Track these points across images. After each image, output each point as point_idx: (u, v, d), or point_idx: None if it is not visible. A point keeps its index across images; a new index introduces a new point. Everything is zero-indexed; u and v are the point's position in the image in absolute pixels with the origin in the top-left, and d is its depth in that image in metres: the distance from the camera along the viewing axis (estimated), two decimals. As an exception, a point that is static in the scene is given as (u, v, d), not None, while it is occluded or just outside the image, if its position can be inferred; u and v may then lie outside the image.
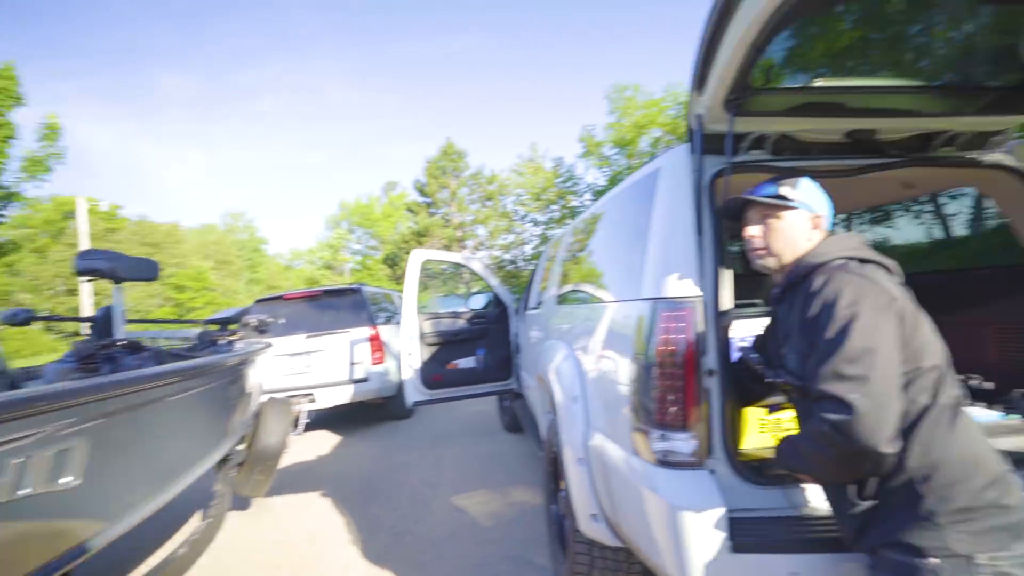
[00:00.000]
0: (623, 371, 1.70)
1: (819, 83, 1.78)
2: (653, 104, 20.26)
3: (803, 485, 1.53)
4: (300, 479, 4.61)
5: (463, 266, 5.12)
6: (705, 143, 1.73)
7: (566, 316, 2.77)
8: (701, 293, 1.53)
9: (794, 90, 1.76)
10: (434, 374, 4.70)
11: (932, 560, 1.00)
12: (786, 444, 1.24)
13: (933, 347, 1.13)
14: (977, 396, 2.10)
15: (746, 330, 2.03)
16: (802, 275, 1.23)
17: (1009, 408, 1.94)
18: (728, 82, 1.56)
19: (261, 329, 4.57)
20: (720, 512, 1.36)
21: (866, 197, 3.08)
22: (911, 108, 1.83)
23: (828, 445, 1.06)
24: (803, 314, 1.15)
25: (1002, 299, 2.23)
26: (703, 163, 1.69)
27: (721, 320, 1.56)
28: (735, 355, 1.59)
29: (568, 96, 62.62)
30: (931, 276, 3.26)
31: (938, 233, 4.81)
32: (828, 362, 1.06)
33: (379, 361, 6.14)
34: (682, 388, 1.48)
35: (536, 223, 26.38)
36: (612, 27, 56.61)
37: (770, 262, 1.34)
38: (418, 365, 4.59)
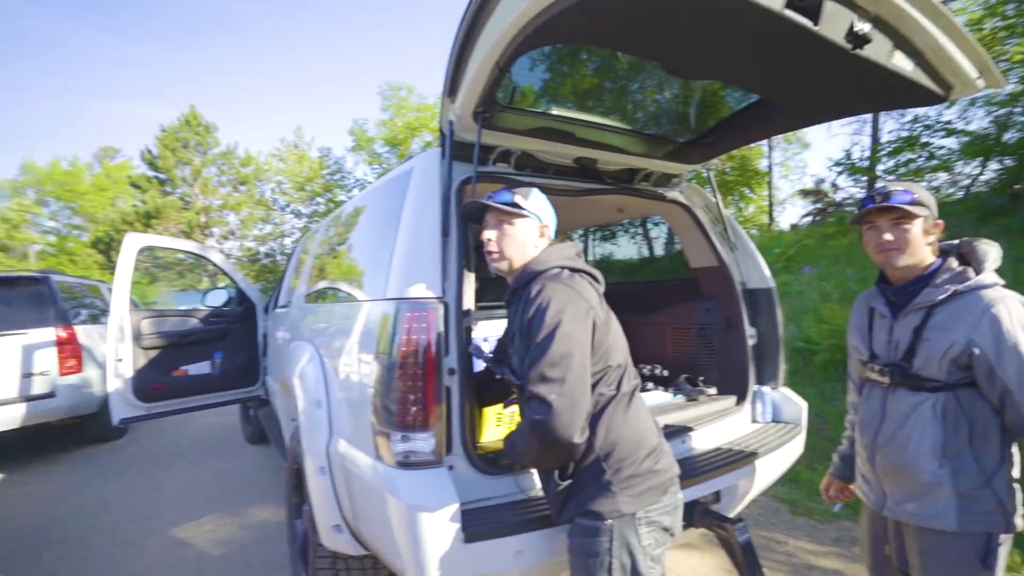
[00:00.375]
0: (367, 373, 1.65)
1: (555, 111, 2.02)
2: (426, 108, 20.67)
3: (529, 471, 1.70)
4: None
5: (199, 256, 4.36)
6: (456, 150, 1.79)
7: (313, 316, 2.58)
8: (442, 294, 1.57)
9: (534, 113, 1.96)
10: (153, 383, 3.89)
11: (608, 521, 1.25)
12: (507, 440, 1.37)
13: (619, 347, 1.37)
14: (657, 381, 2.65)
15: (491, 330, 2.18)
16: (525, 281, 1.36)
17: (676, 390, 2.49)
18: (476, 95, 1.65)
19: None
20: (454, 507, 1.41)
21: (590, 216, 3.65)
22: (621, 146, 2.21)
23: (533, 439, 1.22)
24: (523, 317, 1.28)
25: (676, 306, 2.85)
26: (452, 169, 1.75)
27: (463, 320, 1.63)
28: (477, 357, 1.68)
29: (338, 84, 58.79)
30: (633, 285, 4.02)
31: (644, 251, 6.00)
32: (536, 365, 1.21)
33: (73, 370, 4.80)
34: (423, 388, 1.50)
35: (299, 215, 24.39)
36: (389, 21, 55.82)
37: (503, 265, 1.45)
38: (130, 373, 3.74)
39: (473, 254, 1.96)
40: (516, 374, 1.33)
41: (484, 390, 1.68)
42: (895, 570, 1.49)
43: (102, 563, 2.90)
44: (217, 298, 4.64)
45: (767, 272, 2.51)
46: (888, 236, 1.42)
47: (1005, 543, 1.32)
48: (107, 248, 23.21)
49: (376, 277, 1.78)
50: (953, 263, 1.41)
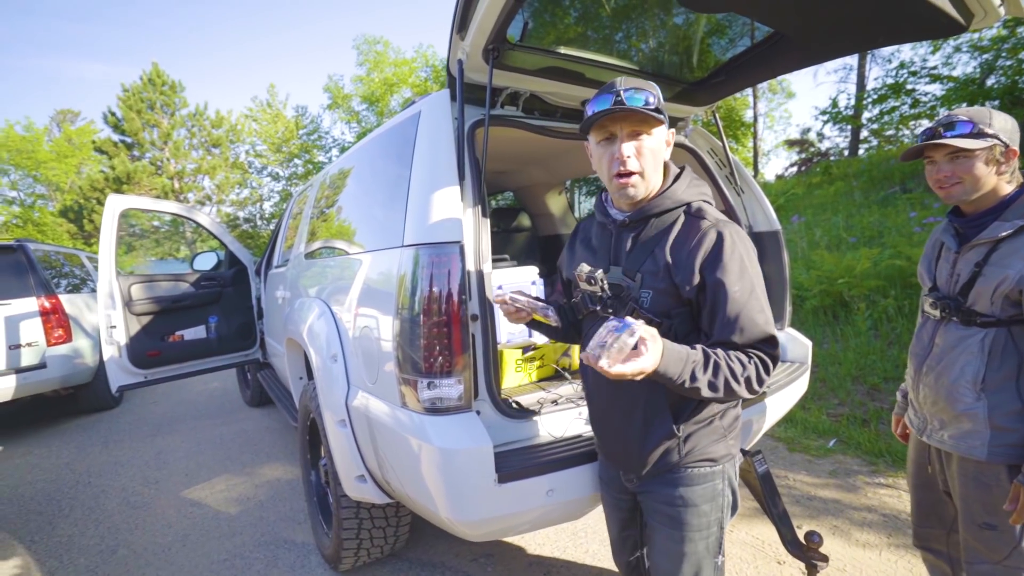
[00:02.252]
0: (386, 323, 1.63)
1: (563, 50, 1.94)
2: (404, 63, 19.93)
3: (547, 414, 1.72)
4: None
5: (185, 218, 4.22)
6: (465, 92, 1.72)
7: (318, 272, 2.53)
8: (462, 238, 1.54)
9: (545, 52, 1.88)
10: (149, 350, 3.83)
11: (720, 465, 1.28)
12: (705, 366, 1.07)
13: None
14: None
15: (504, 279, 2.16)
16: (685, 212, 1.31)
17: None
18: (488, 30, 1.57)
19: None
20: (487, 449, 1.43)
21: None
22: (628, 86, 2.13)
23: (756, 381, 1.10)
24: (691, 253, 1.20)
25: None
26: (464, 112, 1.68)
27: (482, 266, 1.61)
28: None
29: (312, 38, 56.06)
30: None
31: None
32: (750, 307, 1.15)
33: (61, 340, 4.70)
34: (449, 335, 1.48)
35: (276, 177, 23.72)
36: (359, -29, 52.82)
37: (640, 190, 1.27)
38: (124, 340, 3.67)
39: (486, 196, 1.92)
40: (655, 312, 1.19)
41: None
42: (940, 491, 1.55)
43: (120, 526, 2.92)
44: (207, 261, 4.53)
45: (773, 215, 2.51)
46: (945, 171, 1.37)
47: None
48: (78, 217, 22.41)
49: (389, 225, 1.73)
50: None
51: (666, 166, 1.28)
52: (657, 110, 1.16)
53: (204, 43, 55.70)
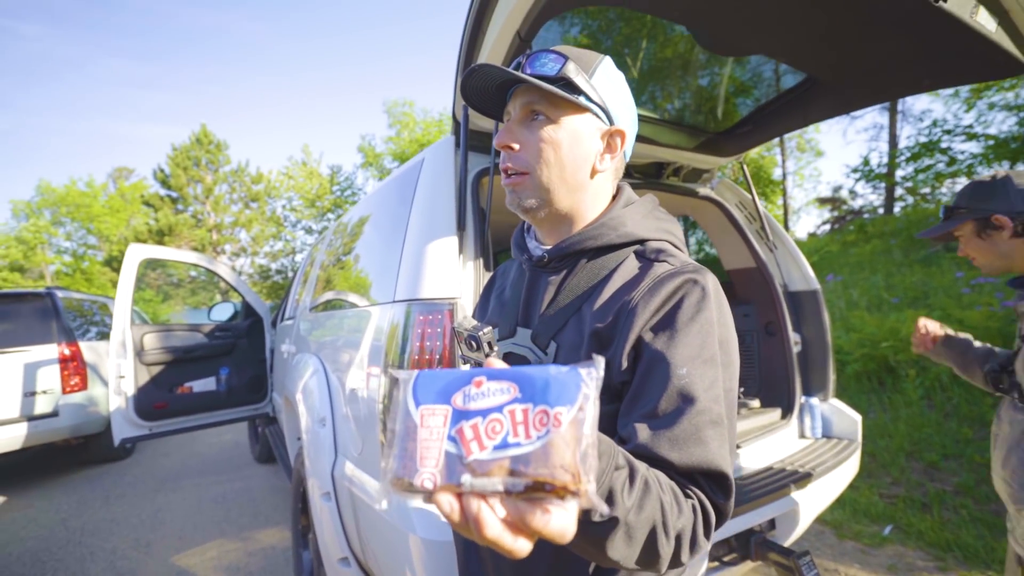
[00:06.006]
0: (375, 386, 1.46)
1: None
2: (433, 125, 20.76)
3: None
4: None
5: (203, 268, 4.23)
6: (471, 139, 1.62)
7: (317, 325, 2.41)
8: (458, 295, 1.39)
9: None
10: (156, 401, 3.74)
11: None
12: (631, 480, 0.58)
13: None
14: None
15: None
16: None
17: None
18: (494, 75, 1.48)
19: None
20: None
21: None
22: (649, 136, 2.03)
23: (691, 541, 0.64)
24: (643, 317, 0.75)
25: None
26: (468, 159, 1.58)
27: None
28: None
29: (344, 103, 59.67)
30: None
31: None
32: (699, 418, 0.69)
33: (77, 388, 4.67)
34: (439, 403, 1.31)
35: (309, 231, 24.47)
36: (393, 39, 56.68)
37: (532, 202, 0.84)
38: (132, 391, 3.59)
39: (491, 250, 1.78)
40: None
41: None
42: None
43: (96, 594, 2.71)
44: (223, 312, 4.50)
45: (811, 273, 2.31)
46: (962, 249, 1.32)
47: None
48: (120, 266, 23.47)
49: (384, 279, 1.60)
50: None
51: (617, 189, 0.85)
52: (571, 86, 0.73)
53: (247, 106, 60.09)
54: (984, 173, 1.31)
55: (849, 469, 2.00)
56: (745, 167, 2.39)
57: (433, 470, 0.37)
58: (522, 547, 0.39)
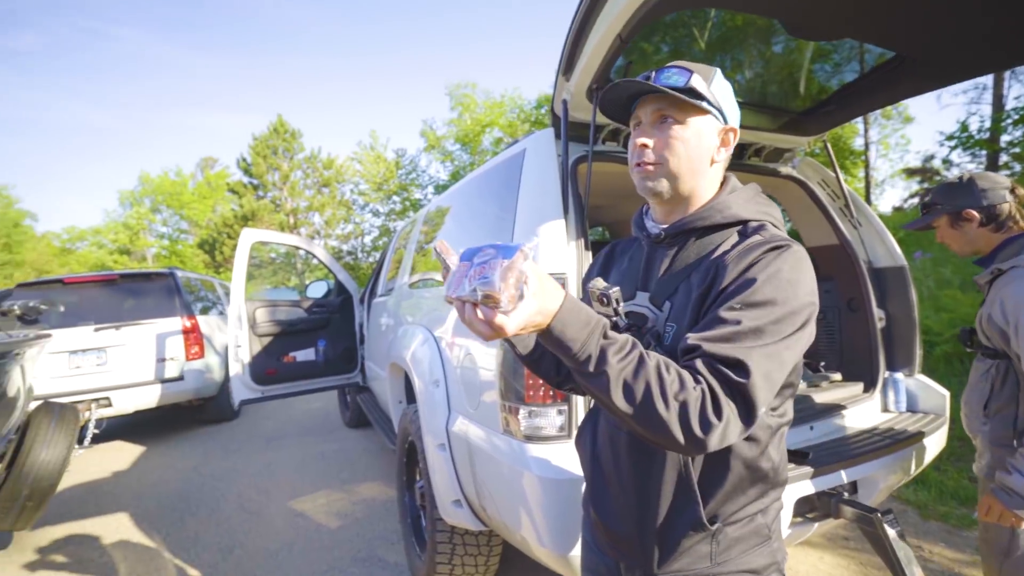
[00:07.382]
0: (489, 352, 1.68)
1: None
2: (496, 105, 20.85)
3: None
4: (88, 502, 3.78)
5: (302, 250, 4.67)
6: (568, 130, 1.78)
7: (423, 301, 2.67)
8: (566, 271, 1.57)
9: (646, 88, 1.91)
10: (267, 368, 4.22)
11: None
12: (624, 350, 0.77)
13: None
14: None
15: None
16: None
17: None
18: (593, 71, 1.63)
19: (28, 318, 3.66)
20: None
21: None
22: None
23: (699, 415, 0.77)
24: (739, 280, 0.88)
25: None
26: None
27: (585, 298, 1.63)
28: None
29: (408, 86, 60.86)
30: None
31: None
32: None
33: (197, 356, 5.33)
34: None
35: (376, 214, 25.47)
36: (454, 22, 56.82)
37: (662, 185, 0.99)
38: (248, 359, 4.08)
39: (588, 234, 1.95)
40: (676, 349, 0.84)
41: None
42: None
43: (236, 528, 3.19)
44: (318, 289, 4.94)
45: (897, 249, 2.32)
46: (941, 237, 1.68)
47: None
48: (211, 248, 25.43)
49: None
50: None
51: (724, 179, 0.99)
52: (695, 94, 0.90)
53: (319, 95, 62.54)
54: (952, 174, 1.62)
55: (936, 441, 2.04)
56: (828, 145, 2.41)
57: (451, 292, 0.70)
58: (483, 329, 0.69)
